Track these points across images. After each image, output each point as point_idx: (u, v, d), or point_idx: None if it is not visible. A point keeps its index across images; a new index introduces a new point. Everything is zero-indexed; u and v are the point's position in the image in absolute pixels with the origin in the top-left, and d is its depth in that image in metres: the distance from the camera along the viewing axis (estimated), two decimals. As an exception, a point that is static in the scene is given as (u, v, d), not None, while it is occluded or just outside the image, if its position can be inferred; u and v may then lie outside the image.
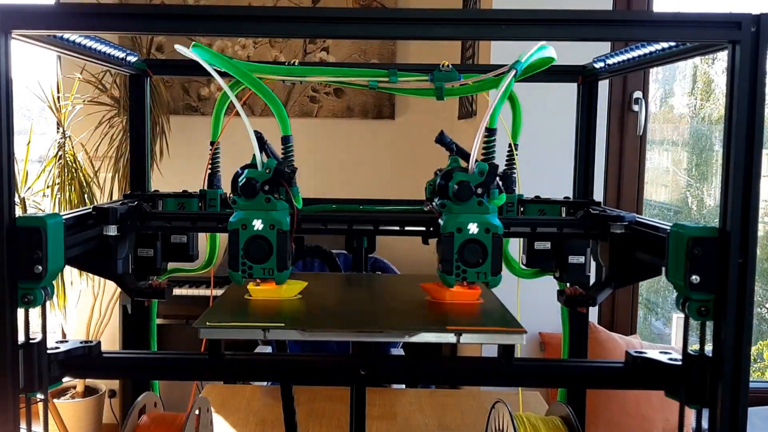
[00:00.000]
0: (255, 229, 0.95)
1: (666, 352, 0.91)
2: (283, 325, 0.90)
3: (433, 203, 1.03)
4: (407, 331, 0.90)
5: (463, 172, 0.96)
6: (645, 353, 0.91)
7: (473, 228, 0.94)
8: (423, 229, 1.11)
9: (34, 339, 0.86)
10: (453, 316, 0.99)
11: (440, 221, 0.97)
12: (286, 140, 1.02)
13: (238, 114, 1.00)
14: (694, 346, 0.88)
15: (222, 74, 1.02)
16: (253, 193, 0.95)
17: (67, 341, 0.92)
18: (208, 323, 0.90)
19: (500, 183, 1.03)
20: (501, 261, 0.95)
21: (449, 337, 0.89)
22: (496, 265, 0.94)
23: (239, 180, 0.96)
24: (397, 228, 1.13)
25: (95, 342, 0.93)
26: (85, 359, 0.92)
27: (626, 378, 0.93)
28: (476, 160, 0.97)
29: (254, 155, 0.98)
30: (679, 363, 0.88)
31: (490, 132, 0.99)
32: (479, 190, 0.95)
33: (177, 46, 1.04)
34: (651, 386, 0.91)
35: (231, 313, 0.99)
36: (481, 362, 0.96)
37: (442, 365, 0.97)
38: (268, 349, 2.12)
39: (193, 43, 1.02)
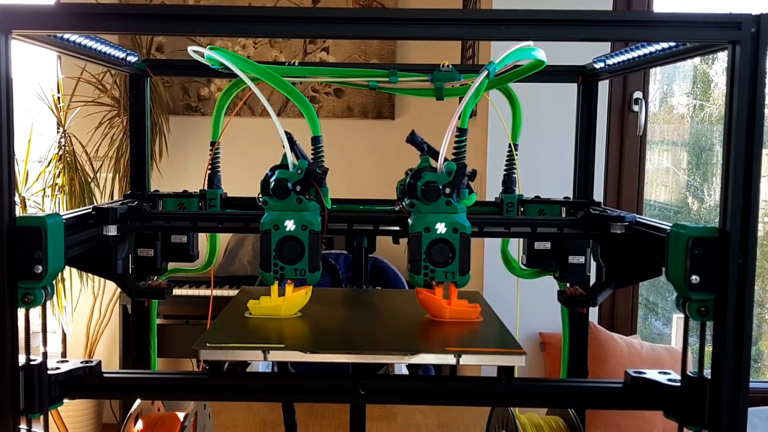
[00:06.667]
0: (287, 229, 0.95)
1: (665, 373, 0.91)
2: (283, 346, 0.90)
3: (403, 203, 1.03)
4: (407, 353, 0.89)
5: (431, 172, 0.96)
6: (644, 374, 0.91)
7: (441, 228, 0.94)
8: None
9: (34, 360, 0.86)
10: (452, 336, 0.98)
11: (409, 221, 0.96)
12: (316, 140, 1.02)
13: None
14: (693, 347, 0.88)
15: (229, 75, 1.01)
16: (285, 194, 0.95)
17: (67, 361, 0.92)
18: (208, 344, 0.90)
19: (470, 183, 1.02)
20: (469, 261, 0.95)
21: (449, 359, 0.88)
22: (464, 265, 0.94)
23: (270, 181, 0.96)
24: (398, 228, 1.13)
25: (95, 362, 0.92)
26: (86, 380, 0.91)
27: (626, 398, 0.93)
28: (446, 160, 0.97)
29: (284, 155, 0.98)
30: (678, 384, 0.88)
31: (461, 132, 0.98)
32: (447, 190, 0.95)
33: (190, 49, 1.03)
34: (650, 407, 0.91)
35: (231, 332, 0.99)
36: (481, 383, 0.96)
37: (441, 386, 0.96)
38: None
39: (209, 45, 1.01)
